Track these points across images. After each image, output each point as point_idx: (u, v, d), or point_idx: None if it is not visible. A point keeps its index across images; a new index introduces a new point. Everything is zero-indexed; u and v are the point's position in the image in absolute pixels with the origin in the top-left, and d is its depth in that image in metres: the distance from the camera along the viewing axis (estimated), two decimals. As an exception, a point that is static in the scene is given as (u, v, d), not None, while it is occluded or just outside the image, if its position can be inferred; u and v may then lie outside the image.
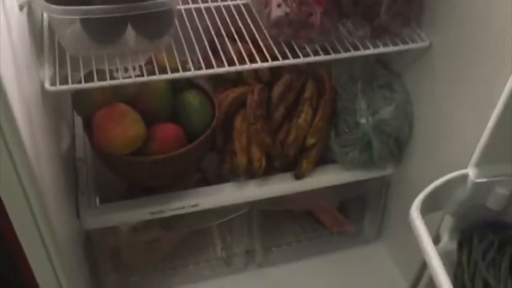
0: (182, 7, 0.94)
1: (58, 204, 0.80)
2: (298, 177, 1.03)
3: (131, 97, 0.91)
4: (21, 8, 0.73)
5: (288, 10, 0.86)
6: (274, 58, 0.87)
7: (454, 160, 0.83)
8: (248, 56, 0.87)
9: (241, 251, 1.13)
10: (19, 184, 0.63)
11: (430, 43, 0.91)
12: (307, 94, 1.04)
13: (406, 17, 0.89)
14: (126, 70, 0.91)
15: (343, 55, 0.89)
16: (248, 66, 0.86)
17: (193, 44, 0.87)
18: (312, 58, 0.88)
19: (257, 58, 0.87)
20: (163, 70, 0.84)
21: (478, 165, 0.70)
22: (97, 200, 1.02)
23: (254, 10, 0.95)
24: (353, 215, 1.21)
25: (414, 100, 1.00)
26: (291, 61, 0.87)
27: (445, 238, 0.78)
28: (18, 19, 0.71)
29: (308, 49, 0.89)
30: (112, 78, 0.82)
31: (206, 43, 0.89)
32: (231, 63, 0.87)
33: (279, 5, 0.86)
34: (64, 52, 0.84)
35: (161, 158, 0.89)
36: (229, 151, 1.02)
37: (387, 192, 1.15)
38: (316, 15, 0.85)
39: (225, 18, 0.94)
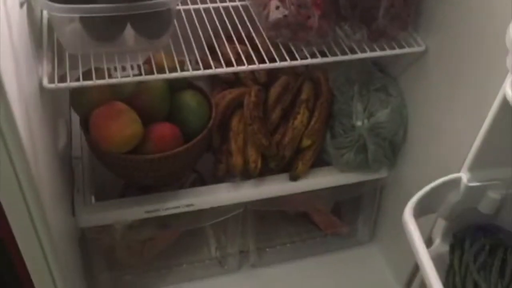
0: (181, 7, 0.95)
1: (54, 202, 0.80)
2: (293, 178, 1.04)
3: (129, 96, 0.91)
4: (21, 5, 0.73)
5: (286, 12, 0.86)
6: (272, 60, 0.88)
7: (448, 164, 0.84)
8: (245, 58, 0.88)
9: (235, 251, 1.14)
10: (16, 181, 0.63)
11: (426, 48, 0.91)
12: (303, 96, 1.05)
13: (404, 20, 0.89)
14: (124, 69, 0.92)
15: (340, 58, 0.90)
16: (245, 67, 0.87)
17: (191, 44, 0.88)
18: (309, 61, 0.89)
19: (255, 60, 0.88)
20: (161, 70, 0.84)
21: (471, 169, 0.71)
22: (93, 198, 1.03)
23: (252, 12, 0.95)
24: (347, 217, 1.21)
25: (410, 103, 1.01)
26: (288, 63, 0.88)
27: (437, 241, 0.79)
28: (18, 16, 0.71)
29: (306, 52, 0.90)
30: (110, 76, 0.82)
31: (204, 43, 0.90)
32: (228, 64, 0.87)
33: (277, 7, 0.87)
34: (63, 50, 0.85)
35: (157, 157, 0.89)
36: (225, 151, 1.02)
37: (381, 195, 1.16)
38: (314, 18, 0.86)
39: (223, 20, 0.95)
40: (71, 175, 1.00)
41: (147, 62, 0.88)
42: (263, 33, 0.91)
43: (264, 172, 1.03)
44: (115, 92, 0.91)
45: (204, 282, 1.13)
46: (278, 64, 0.88)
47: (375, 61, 1.06)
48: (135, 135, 0.88)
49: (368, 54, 0.91)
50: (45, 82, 0.79)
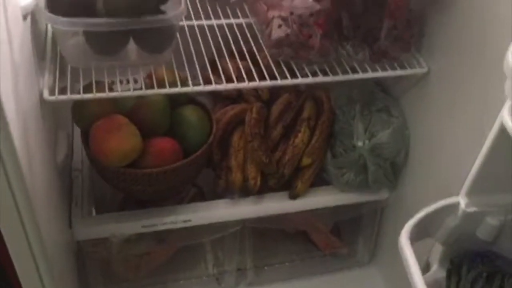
0: (185, 23, 0.95)
1: (50, 214, 0.80)
2: (293, 196, 1.03)
3: (130, 109, 0.92)
4: (24, 17, 0.74)
5: (288, 31, 0.86)
6: (273, 77, 0.88)
7: (450, 186, 0.83)
8: (247, 75, 0.88)
9: (232, 269, 1.13)
10: (10, 192, 0.63)
11: (429, 69, 0.91)
12: (305, 114, 1.05)
13: (406, 42, 0.89)
14: (125, 82, 0.92)
15: (341, 77, 0.90)
16: (245, 84, 0.87)
17: (193, 59, 0.88)
18: (310, 79, 0.88)
19: (256, 77, 0.88)
20: (161, 85, 0.84)
21: (469, 194, 0.70)
22: (93, 211, 1.03)
23: (256, 30, 0.96)
24: (347, 237, 1.20)
25: (411, 124, 1.00)
26: (289, 81, 0.88)
27: (434, 266, 0.77)
28: (21, 28, 0.72)
29: (307, 70, 0.89)
30: (111, 90, 0.83)
31: (206, 59, 0.90)
32: (229, 80, 0.87)
33: (280, 26, 0.87)
34: (65, 63, 0.85)
35: (155, 172, 0.89)
36: (225, 167, 1.02)
37: (382, 216, 1.15)
38: (316, 37, 0.86)
39: (227, 36, 0.95)
40: (70, 187, 1.00)
41: (149, 76, 0.88)
42: (266, 51, 0.91)
43: (263, 189, 1.02)
44: (116, 106, 0.91)
45: (200, 299, 1.12)
46: (279, 82, 0.88)
47: (377, 81, 1.06)
48: (134, 149, 0.88)
49: (370, 75, 0.90)
50: (46, 94, 0.79)
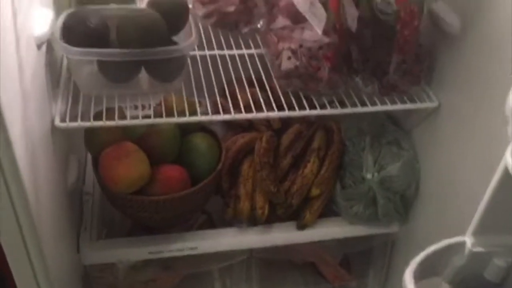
0: (197, 53, 0.96)
1: (57, 239, 0.81)
2: (301, 227, 1.02)
3: (140, 136, 0.93)
4: (39, 47, 0.76)
5: (297, 63, 0.87)
6: (281, 108, 0.88)
7: (462, 222, 0.81)
8: (255, 105, 0.89)
9: (239, 298, 1.12)
10: (15, 216, 0.64)
11: (439, 104, 0.90)
12: (315, 144, 1.04)
13: (416, 76, 0.89)
14: (135, 107, 0.94)
15: (350, 110, 0.90)
16: (253, 114, 0.87)
17: (203, 88, 0.89)
18: (318, 111, 0.89)
19: (264, 108, 0.88)
20: (170, 113, 0.86)
21: (475, 234, 0.68)
22: (103, 235, 1.03)
23: (267, 61, 0.97)
24: (356, 270, 1.18)
25: (422, 158, 0.99)
26: (297, 112, 0.88)
27: (440, 306, 0.75)
28: (34, 57, 0.74)
29: (315, 102, 0.90)
30: (120, 118, 0.84)
31: (216, 89, 0.91)
32: (237, 110, 0.88)
33: (289, 58, 0.88)
34: (78, 90, 0.87)
35: (162, 199, 0.89)
36: (234, 195, 1.02)
37: (393, 249, 1.13)
38: (324, 70, 0.86)
39: (238, 66, 0.96)
40: (80, 211, 1.02)
41: (159, 104, 0.90)
42: (275, 82, 0.92)
43: (271, 219, 1.02)
44: (126, 133, 0.92)
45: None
46: (287, 113, 0.88)
47: (388, 114, 1.05)
48: (142, 176, 0.88)
49: (379, 108, 0.90)
50: (57, 121, 0.81)
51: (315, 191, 1.02)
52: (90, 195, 1.06)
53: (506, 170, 0.57)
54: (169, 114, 0.86)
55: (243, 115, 0.88)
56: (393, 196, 0.99)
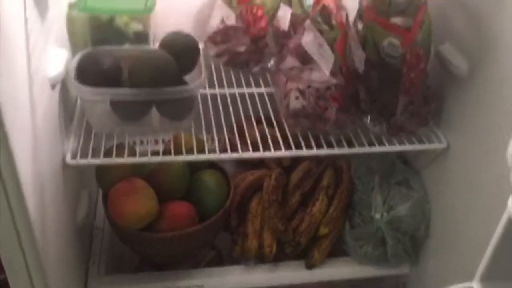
0: (208, 91, 0.98)
1: (64, 274, 0.81)
2: (309, 266, 1.01)
3: (149, 173, 0.94)
4: (53, 87, 0.79)
5: (305, 103, 0.88)
6: (288, 147, 0.89)
7: (472, 264, 0.79)
8: (263, 144, 0.89)
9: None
10: (21, 251, 0.66)
11: (448, 145, 0.90)
12: (324, 182, 1.04)
13: (423, 117, 0.89)
14: (147, 143, 0.95)
15: (358, 150, 0.90)
16: (261, 153, 0.88)
17: (213, 126, 0.90)
18: (325, 151, 0.89)
19: (271, 147, 0.89)
20: (179, 151, 0.87)
21: (483, 280, 0.67)
22: (110, 270, 1.04)
23: (276, 100, 0.98)
24: (367, 312, 1.15)
25: (433, 198, 0.98)
26: (304, 152, 0.88)
27: None
28: (47, 97, 0.77)
29: (323, 141, 0.90)
30: (130, 154, 0.86)
31: (224, 127, 0.92)
32: (245, 149, 0.89)
33: (297, 98, 0.89)
34: (90, 127, 0.89)
35: (169, 236, 0.90)
36: (242, 233, 1.02)
37: (404, 291, 1.10)
38: (332, 110, 0.87)
39: (247, 105, 0.97)
40: (89, 245, 1.03)
41: (168, 141, 0.91)
42: (283, 121, 0.93)
43: (280, 257, 1.01)
44: (136, 169, 0.94)
45: None
46: (294, 152, 0.89)
47: (398, 153, 1.04)
48: (150, 213, 0.89)
49: (387, 148, 0.90)
50: (68, 158, 0.83)
51: (323, 230, 1.01)
52: (100, 230, 1.07)
53: (509, 219, 0.56)
54: (178, 152, 0.87)
55: (250, 154, 0.88)
56: (402, 237, 0.98)
